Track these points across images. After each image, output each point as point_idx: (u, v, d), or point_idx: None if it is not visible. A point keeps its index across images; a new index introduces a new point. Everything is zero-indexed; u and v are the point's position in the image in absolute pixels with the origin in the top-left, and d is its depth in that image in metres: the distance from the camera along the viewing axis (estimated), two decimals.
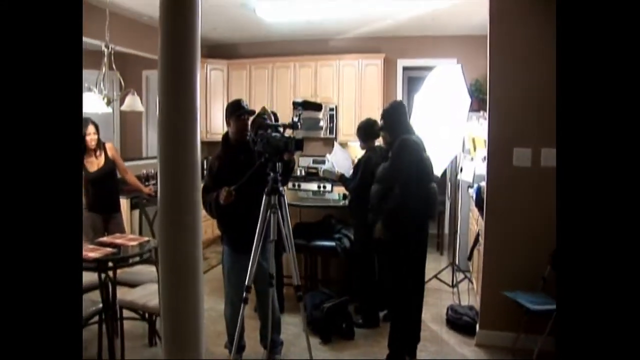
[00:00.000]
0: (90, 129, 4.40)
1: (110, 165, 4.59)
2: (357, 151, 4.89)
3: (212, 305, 4.58)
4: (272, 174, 3.22)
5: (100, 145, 4.54)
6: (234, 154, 3.50)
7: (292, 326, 4.23)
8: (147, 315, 3.69)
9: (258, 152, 3.23)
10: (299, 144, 3.22)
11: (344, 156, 4.74)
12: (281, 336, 3.75)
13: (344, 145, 5.00)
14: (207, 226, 6.71)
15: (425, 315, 4.39)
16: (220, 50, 7.58)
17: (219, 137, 7.80)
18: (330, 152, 4.88)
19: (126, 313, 3.68)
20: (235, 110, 3.47)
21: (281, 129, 3.26)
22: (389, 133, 3.63)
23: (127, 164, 4.97)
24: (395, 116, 3.64)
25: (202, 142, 3.00)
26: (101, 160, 4.53)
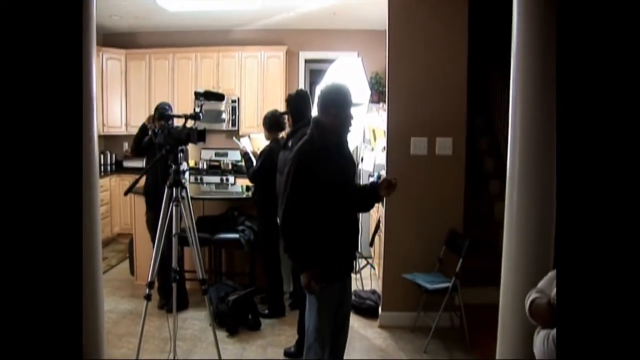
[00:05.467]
0: None
1: None
2: (260, 143, 4.88)
3: (112, 307, 4.40)
4: (174, 166, 3.15)
5: None
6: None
7: (197, 321, 4.17)
8: None
9: (159, 144, 3.14)
10: (201, 135, 3.17)
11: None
12: (189, 331, 3.66)
13: (244, 136, 5.03)
14: (105, 224, 6.41)
15: None
16: (118, 39, 7.19)
17: (117, 131, 7.49)
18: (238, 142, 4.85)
19: None
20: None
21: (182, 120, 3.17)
22: (292, 119, 3.67)
23: None
24: (301, 104, 3.69)
25: (99, 136, 2.86)
26: None
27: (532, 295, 1.91)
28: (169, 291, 3.48)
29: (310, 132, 2.74)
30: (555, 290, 1.84)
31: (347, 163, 2.82)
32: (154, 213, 4.08)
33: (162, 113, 4.00)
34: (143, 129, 4.41)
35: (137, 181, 3.37)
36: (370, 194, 2.92)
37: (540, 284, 1.96)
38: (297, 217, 2.62)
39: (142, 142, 4.38)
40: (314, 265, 2.64)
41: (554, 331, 1.68)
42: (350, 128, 2.75)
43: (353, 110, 2.73)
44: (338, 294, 2.77)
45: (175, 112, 4.55)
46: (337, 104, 2.66)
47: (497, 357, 2.79)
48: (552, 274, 1.97)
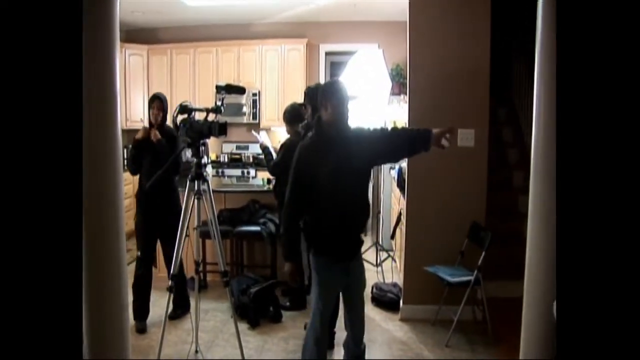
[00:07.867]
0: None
1: None
2: (282, 136, 4.90)
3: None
4: (195, 159, 3.18)
5: None
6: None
7: (219, 312, 4.20)
8: None
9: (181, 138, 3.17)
10: (222, 129, 3.19)
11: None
12: (210, 323, 3.68)
13: (266, 129, 5.08)
14: (129, 217, 6.48)
15: None
16: (140, 35, 7.27)
17: (139, 125, 7.54)
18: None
19: None
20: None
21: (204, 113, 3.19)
22: (312, 112, 3.65)
23: None
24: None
25: (122, 131, 2.88)
26: None
27: None
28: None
29: (314, 128, 2.92)
30: None
31: (354, 150, 2.80)
32: (143, 217, 4.11)
33: (185, 107, 4.02)
34: (137, 145, 3.95)
35: (160, 174, 3.41)
36: (420, 141, 2.86)
37: None
38: (296, 210, 2.81)
39: (140, 161, 3.96)
40: (299, 258, 2.85)
41: None
42: (348, 121, 2.84)
43: (350, 104, 2.84)
44: (338, 276, 2.83)
45: (196, 105, 4.55)
46: (332, 100, 2.79)
47: (520, 353, 2.75)
48: None
